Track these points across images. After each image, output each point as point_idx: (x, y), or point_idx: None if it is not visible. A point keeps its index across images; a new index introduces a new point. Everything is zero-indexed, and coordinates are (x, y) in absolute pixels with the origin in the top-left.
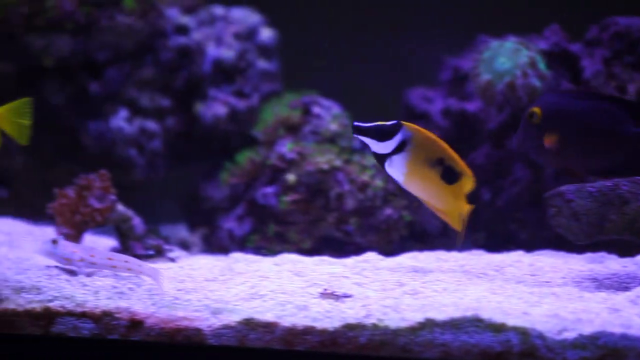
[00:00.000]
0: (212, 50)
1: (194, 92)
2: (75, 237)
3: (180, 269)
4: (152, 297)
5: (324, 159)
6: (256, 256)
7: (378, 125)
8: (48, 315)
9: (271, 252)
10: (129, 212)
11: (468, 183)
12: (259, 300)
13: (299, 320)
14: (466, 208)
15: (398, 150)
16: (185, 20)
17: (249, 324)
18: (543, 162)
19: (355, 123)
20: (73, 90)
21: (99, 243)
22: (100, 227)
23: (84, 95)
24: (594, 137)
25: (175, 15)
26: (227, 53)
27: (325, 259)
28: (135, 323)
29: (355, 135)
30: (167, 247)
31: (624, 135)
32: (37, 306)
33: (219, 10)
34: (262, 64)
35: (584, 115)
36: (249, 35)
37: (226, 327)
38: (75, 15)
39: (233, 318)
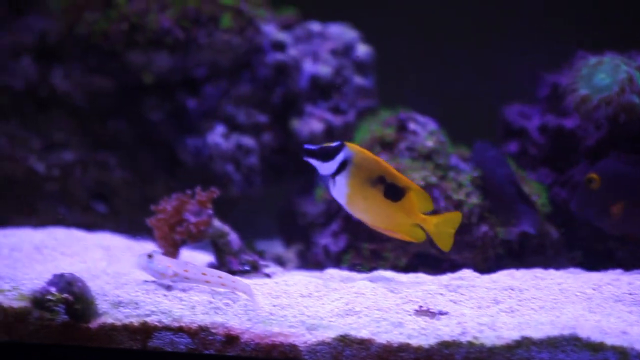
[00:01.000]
0: (309, 67)
1: (290, 108)
2: (172, 252)
3: (275, 284)
4: (247, 313)
5: (420, 175)
6: (351, 272)
7: (323, 146)
8: (145, 330)
9: (366, 268)
10: (226, 228)
11: (417, 196)
12: (354, 316)
13: (394, 337)
14: (426, 220)
15: (340, 170)
16: (282, 36)
17: (344, 341)
18: (605, 229)
19: (305, 145)
20: (171, 106)
21: (196, 258)
22: (197, 243)
23: (181, 111)
24: None
25: (272, 31)
26: (324, 69)
27: (421, 275)
28: (231, 338)
29: (304, 158)
30: (262, 262)
31: None
32: (134, 321)
33: (315, 26)
34: (359, 80)
35: None
36: (345, 51)
37: (321, 343)
38: (174, 32)
39: (328, 334)
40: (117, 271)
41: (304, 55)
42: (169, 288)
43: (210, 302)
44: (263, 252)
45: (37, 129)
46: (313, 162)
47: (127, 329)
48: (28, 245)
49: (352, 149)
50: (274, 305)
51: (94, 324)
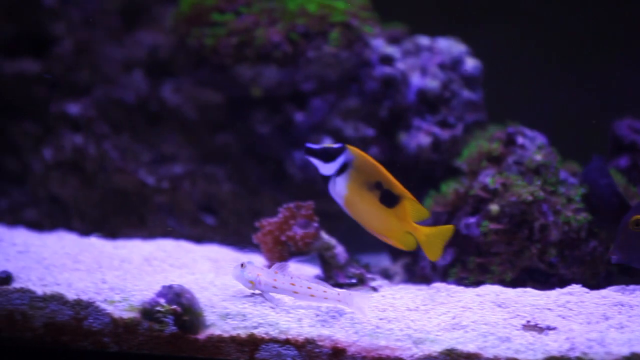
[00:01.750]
0: (417, 80)
1: (397, 121)
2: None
3: (382, 297)
4: (354, 326)
5: (528, 190)
6: (458, 287)
7: (325, 147)
8: (253, 342)
9: (473, 282)
10: (332, 241)
11: (410, 205)
12: (461, 330)
13: (502, 352)
14: (417, 229)
15: (340, 172)
16: (390, 50)
17: (451, 355)
18: None
19: (307, 144)
20: (279, 120)
21: (304, 271)
22: (304, 255)
23: (289, 125)
24: None
25: (380, 45)
26: (432, 83)
27: (528, 290)
28: (338, 351)
29: (306, 156)
30: (369, 275)
31: None
32: (242, 332)
33: (424, 40)
34: (467, 94)
35: None
36: (453, 65)
37: (428, 357)
38: (283, 47)
39: (435, 348)
40: (224, 283)
41: (412, 68)
42: (259, 295)
43: (317, 315)
44: (369, 266)
45: (147, 142)
46: (314, 161)
47: (235, 340)
48: (138, 256)
49: (353, 152)
50: (381, 319)
51: (202, 336)
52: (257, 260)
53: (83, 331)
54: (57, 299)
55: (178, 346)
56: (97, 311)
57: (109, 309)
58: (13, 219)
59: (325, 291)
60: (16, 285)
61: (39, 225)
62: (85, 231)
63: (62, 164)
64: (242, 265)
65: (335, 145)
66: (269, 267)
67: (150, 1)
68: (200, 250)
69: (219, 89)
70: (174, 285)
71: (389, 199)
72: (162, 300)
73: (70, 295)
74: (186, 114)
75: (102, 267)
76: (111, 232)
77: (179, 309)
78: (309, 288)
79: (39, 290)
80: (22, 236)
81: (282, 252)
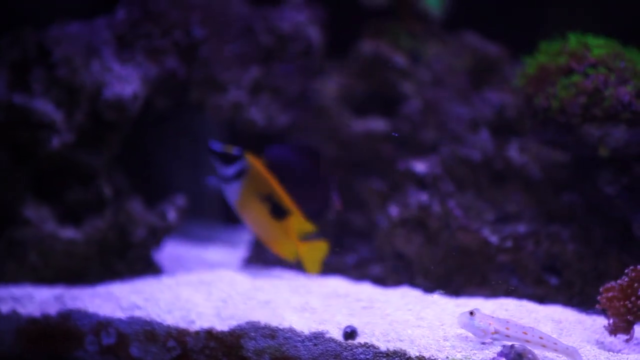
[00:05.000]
0: None
1: None
2: (625, 328)
3: None
4: None
5: None
6: None
7: (224, 150)
8: None
9: None
10: None
11: (296, 221)
12: None
13: None
14: (298, 245)
15: (237, 177)
16: None
17: None
18: None
19: (211, 144)
20: (627, 180)
21: None
22: None
23: (638, 185)
24: None
25: None
26: None
27: None
28: None
29: (209, 156)
30: None
31: None
32: None
33: None
34: None
35: None
36: None
37: None
38: (633, 107)
39: None
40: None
41: None
42: (488, 344)
43: None
44: None
45: (491, 201)
46: (214, 161)
47: None
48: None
49: (249, 161)
50: None
51: None
52: (601, 322)
53: None
54: (400, 355)
55: None
56: None
57: None
58: (360, 273)
59: (555, 343)
60: (360, 340)
61: (383, 280)
62: (428, 288)
63: (408, 221)
64: (471, 313)
65: (235, 151)
66: (613, 330)
67: (499, 61)
68: (543, 310)
69: (565, 148)
70: (516, 345)
71: (278, 212)
72: None
73: (413, 352)
74: (531, 173)
75: (444, 324)
76: (454, 289)
77: None
78: (541, 338)
79: (383, 346)
80: (367, 291)
81: (627, 315)
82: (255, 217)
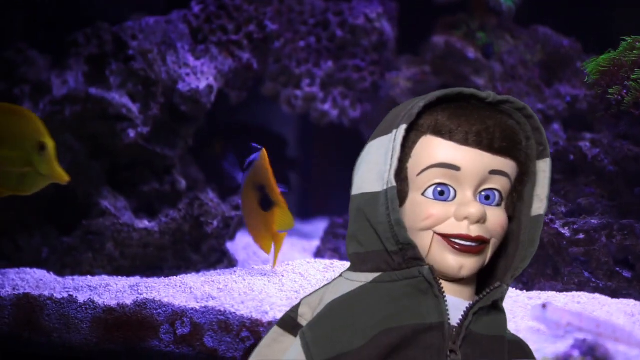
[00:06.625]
0: None
1: None
2: None
3: None
4: None
5: None
6: None
7: (255, 144)
8: None
9: None
10: None
11: (278, 213)
12: None
13: None
14: (275, 237)
15: (248, 167)
16: None
17: None
18: None
19: (253, 144)
20: None
21: None
22: None
23: None
24: None
25: None
26: None
27: None
28: None
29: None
30: None
31: None
32: None
33: None
34: None
35: None
36: None
37: None
38: None
39: None
40: None
41: None
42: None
43: None
44: None
45: (564, 194)
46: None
47: None
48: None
49: (260, 154)
50: None
51: None
52: None
53: None
54: None
55: None
56: None
57: None
58: None
59: (630, 336)
60: None
61: None
62: None
63: None
64: (543, 305)
65: (255, 145)
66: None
67: (572, 55)
68: (615, 304)
69: (638, 142)
70: (589, 338)
71: (266, 203)
72: (575, 353)
73: None
74: (603, 166)
75: (516, 316)
76: (525, 282)
77: None
78: (614, 331)
79: None
80: None
81: None
82: (247, 206)
